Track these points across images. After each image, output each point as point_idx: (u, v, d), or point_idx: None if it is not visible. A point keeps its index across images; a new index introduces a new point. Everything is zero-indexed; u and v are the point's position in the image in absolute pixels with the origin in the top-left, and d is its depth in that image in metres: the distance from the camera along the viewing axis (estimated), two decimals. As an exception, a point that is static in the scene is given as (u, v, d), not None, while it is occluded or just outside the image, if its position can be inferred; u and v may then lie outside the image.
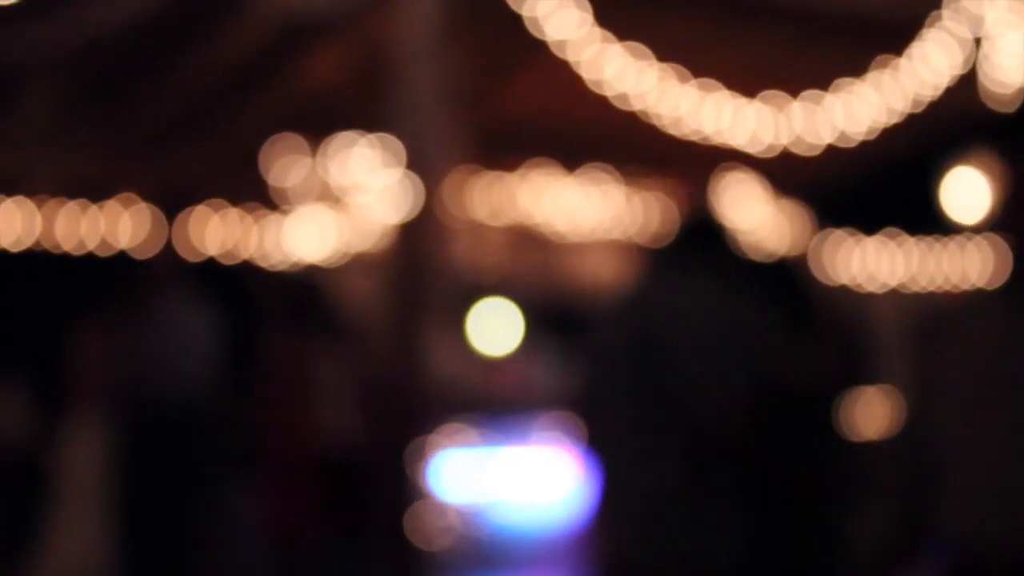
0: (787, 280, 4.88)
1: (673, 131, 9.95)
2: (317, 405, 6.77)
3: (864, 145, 10.70)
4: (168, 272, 6.37)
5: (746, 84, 10.31)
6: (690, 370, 4.33)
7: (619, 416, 4.45)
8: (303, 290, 7.05)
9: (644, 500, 4.39)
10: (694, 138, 10.07)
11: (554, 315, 10.92)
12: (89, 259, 10.06)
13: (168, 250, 6.36)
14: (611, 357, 4.51)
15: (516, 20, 8.66)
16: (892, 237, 13.14)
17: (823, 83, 10.37)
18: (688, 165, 11.84)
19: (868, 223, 12.97)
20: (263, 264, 11.25)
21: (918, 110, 10.33)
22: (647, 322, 4.42)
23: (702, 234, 4.67)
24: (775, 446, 4.48)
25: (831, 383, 4.76)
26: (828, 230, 12.56)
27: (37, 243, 9.81)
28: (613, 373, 4.48)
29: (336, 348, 6.83)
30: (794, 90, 10.43)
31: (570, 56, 8.84)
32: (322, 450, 6.73)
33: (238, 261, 11.32)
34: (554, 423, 9.28)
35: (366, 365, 7.14)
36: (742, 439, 4.35)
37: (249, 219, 11.38)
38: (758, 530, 4.40)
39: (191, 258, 6.46)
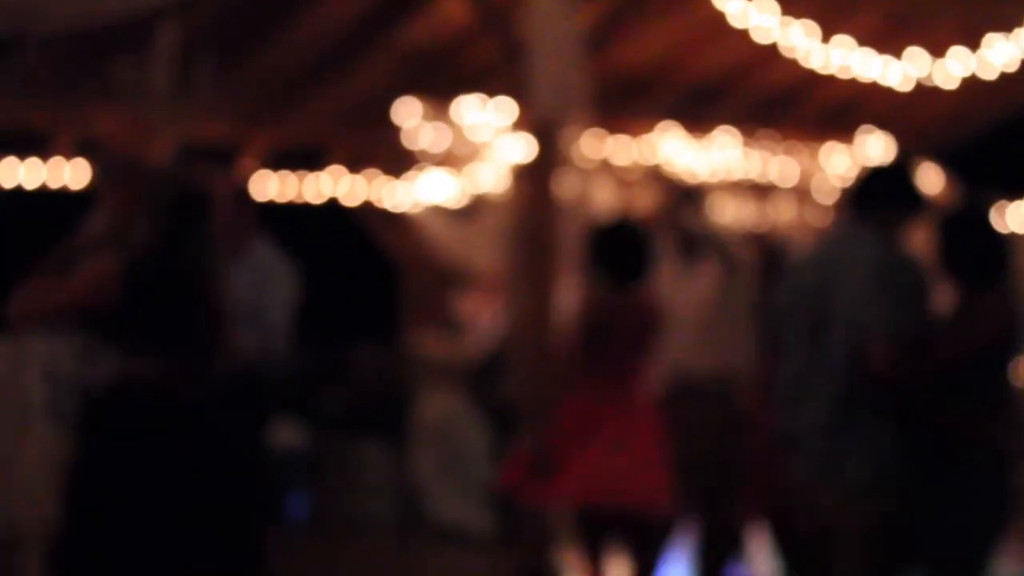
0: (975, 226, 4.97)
1: (813, 63, 9.74)
2: None
3: (1007, 80, 10.37)
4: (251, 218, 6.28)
5: (882, 40, 10.11)
6: (854, 318, 4.63)
7: (792, 356, 4.84)
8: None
9: (804, 431, 4.78)
10: (832, 71, 9.86)
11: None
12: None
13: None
14: (790, 302, 4.90)
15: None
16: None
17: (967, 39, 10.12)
18: (812, 115, 11.71)
19: (1013, 184, 12.38)
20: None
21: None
22: (822, 272, 4.76)
23: (892, 178, 4.94)
24: (935, 392, 4.72)
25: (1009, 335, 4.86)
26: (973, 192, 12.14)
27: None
28: (790, 316, 4.87)
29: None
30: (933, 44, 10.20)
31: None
32: None
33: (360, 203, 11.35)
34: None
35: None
36: (896, 383, 4.63)
37: (376, 180, 11.37)
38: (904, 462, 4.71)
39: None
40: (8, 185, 9.57)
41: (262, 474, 6.50)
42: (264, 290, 6.18)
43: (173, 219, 4.97)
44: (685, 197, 7.15)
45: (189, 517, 4.79)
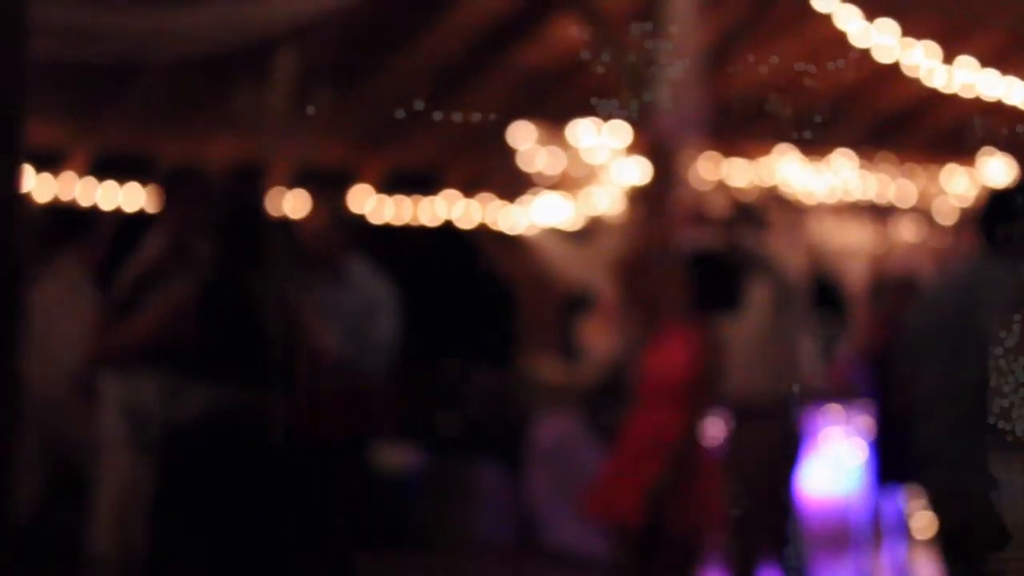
0: None
1: (935, 82, 9.61)
2: None
3: None
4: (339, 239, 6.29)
5: (1004, 59, 9.96)
6: (989, 337, 4.64)
7: (929, 374, 4.99)
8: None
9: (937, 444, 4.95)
10: (955, 89, 9.71)
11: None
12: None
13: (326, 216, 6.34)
14: (927, 323, 5.08)
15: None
16: None
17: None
18: (930, 137, 11.55)
19: None
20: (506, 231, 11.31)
21: None
22: (960, 295, 4.94)
23: (1012, 199, 5.07)
24: None
25: None
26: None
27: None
28: (928, 336, 5.04)
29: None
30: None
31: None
32: None
33: (475, 227, 11.39)
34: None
35: None
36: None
37: (491, 204, 11.39)
38: None
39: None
40: (130, 210, 9.72)
41: (359, 497, 6.49)
42: (366, 311, 6.19)
43: (230, 237, 4.86)
44: (742, 216, 7.07)
45: (277, 546, 4.74)
